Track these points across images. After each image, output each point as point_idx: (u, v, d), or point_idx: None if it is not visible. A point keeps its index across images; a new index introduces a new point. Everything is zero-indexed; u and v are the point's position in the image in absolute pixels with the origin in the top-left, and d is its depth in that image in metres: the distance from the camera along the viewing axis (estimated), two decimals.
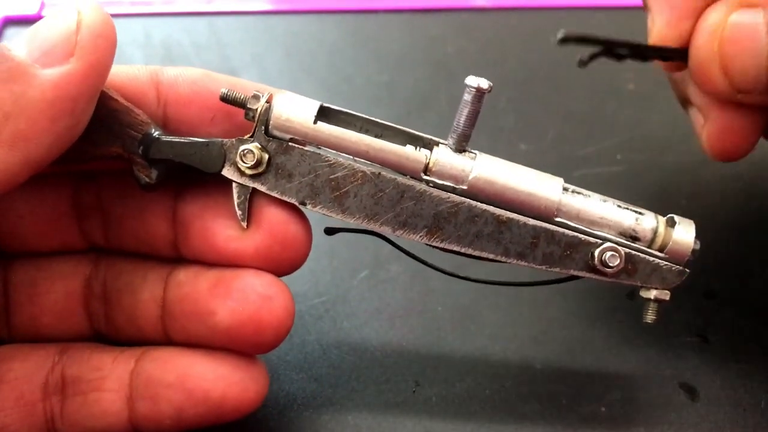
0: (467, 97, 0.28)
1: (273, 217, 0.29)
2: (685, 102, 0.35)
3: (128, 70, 0.30)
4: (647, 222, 0.30)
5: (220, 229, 0.29)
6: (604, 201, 0.30)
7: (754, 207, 0.42)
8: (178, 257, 0.31)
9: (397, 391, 0.34)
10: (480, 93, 0.28)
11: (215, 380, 0.29)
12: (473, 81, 0.28)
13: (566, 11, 0.55)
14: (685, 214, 0.31)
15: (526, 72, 0.51)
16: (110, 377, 0.29)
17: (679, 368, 0.36)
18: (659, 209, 0.42)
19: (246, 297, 0.29)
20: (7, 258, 0.31)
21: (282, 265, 0.30)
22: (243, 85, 0.30)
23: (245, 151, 0.28)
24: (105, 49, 0.26)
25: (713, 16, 0.29)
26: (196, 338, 0.30)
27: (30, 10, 0.53)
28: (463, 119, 0.29)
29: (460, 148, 0.29)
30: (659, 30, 0.31)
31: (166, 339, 0.30)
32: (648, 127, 0.47)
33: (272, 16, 0.55)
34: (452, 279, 0.38)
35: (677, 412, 0.34)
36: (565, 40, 0.27)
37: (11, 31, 0.52)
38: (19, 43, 0.26)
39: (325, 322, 0.37)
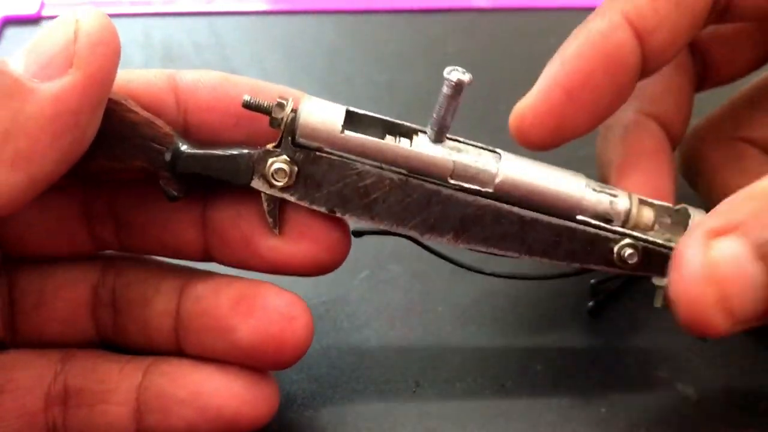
0: (447, 91, 0.28)
1: (316, 227, 0.29)
2: None
3: (145, 77, 0.29)
4: (621, 204, 0.31)
5: (261, 239, 0.29)
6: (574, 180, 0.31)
7: None
8: (208, 260, 0.31)
9: (397, 392, 0.34)
10: (459, 86, 0.27)
11: (229, 398, 0.29)
12: (453, 75, 0.27)
13: (566, 12, 0.55)
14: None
15: (526, 73, 0.50)
16: (117, 390, 0.29)
17: (679, 369, 0.36)
18: None
19: (269, 316, 0.29)
20: (13, 263, 0.30)
21: (323, 270, 0.30)
22: (264, 89, 0.29)
23: (277, 170, 0.28)
24: (106, 56, 0.25)
25: (691, 256, 0.25)
26: (212, 353, 0.29)
27: (30, 10, 0.53)
28: (443, 112, 0.28)
29: (440, 139, 0.29)
30: None
31: (178, 350, 0.30)
32: None
33: (272, 17, 0.55)
34: (452, 280, 0.38)
35: (677, 413, 0.34)
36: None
37: (11, 31, 0.52)
38: (18, 58, 0.25)
39: (325, 322, 0.37)
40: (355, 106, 0.30)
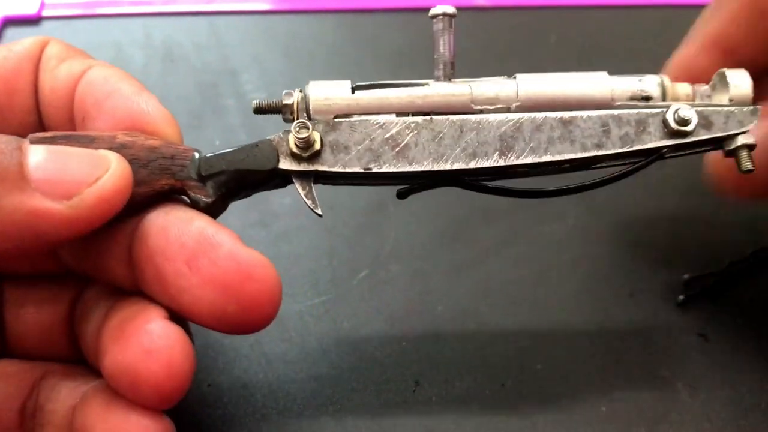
0: (437, 26, 0.30)
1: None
2: None
3: (5, 62, 0.29)
4: (650, 80, 0.31)
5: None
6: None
7: (760, 204, 0.42)
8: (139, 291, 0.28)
9: (396, 391, 0.34)
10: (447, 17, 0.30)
11: None
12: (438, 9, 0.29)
13: (567, 10, 0.55)
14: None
15: (526, 72, 0.50)
16: (57, 413, 0.28)
17: (680, 368, 0.36)
18: (661, 205, 0.42)
19: (133, 344, 0.26)
20: None
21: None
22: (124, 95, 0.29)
23: (299, 126, 0.29)
24: (100, 213, 0.25)
25: None
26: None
27: (30, 10, 0.53)
28: (442, 48, 0.30)
29: (449, 76, 0.30)
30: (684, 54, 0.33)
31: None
32: None
33: (272, 16, 0.55)
34: (451, 280, 0.38)
35: (678, 412, 0.34)
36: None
37: (11, 31, 0.52)
38: (42, 150, 0.24)
39: (324, 321, 0.37)
40: None
